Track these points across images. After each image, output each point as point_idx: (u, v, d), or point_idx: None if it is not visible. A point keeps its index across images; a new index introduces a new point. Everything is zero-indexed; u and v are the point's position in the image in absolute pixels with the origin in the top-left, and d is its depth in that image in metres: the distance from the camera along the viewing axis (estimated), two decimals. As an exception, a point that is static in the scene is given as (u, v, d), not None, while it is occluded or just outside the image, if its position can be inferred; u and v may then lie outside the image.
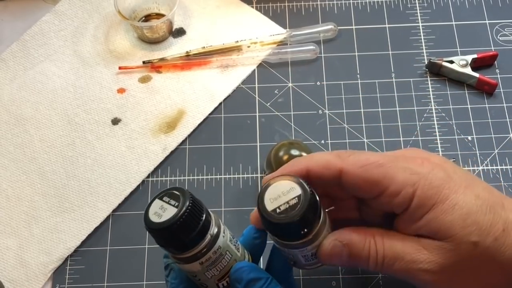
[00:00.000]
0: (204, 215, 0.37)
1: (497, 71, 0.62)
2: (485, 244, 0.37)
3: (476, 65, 0.61)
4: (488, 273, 0.38)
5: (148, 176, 0.57)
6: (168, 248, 0.38)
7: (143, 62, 0.62)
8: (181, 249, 0.37)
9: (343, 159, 0.40)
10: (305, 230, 0.38)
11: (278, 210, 0.36)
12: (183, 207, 0.36)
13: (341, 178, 0.40)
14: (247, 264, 0.39)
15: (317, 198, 0.38)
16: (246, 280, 0.38)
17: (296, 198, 0.36)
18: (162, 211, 0.36)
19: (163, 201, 0.36)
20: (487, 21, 0.65)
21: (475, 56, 0.61)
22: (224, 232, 0.39)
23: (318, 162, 0.40)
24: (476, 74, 0.60)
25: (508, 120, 0.59)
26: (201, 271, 0.38)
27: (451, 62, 0.61)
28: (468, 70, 0.60)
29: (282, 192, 0.37)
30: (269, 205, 0.37)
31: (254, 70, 0.62)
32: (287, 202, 0.36)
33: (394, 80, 0.61)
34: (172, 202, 0.36)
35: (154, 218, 0.36)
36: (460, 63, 0.60)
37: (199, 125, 0.59)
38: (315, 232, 0.38)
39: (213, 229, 0.38)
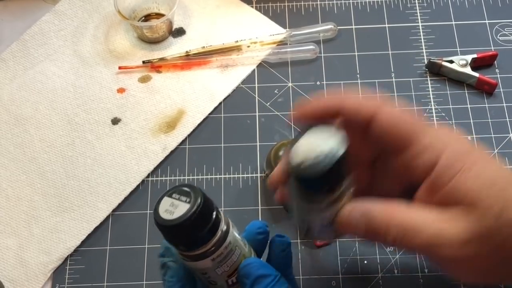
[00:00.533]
0: (215, 210, 0.37)
1: (497, 71, 0.62)
2: (510, 215, 0.34)
3: (476, 65, 0.61)
4: None
5: (148, 176, 0.57)
6: (180, 246, 0.37)
7: (143, 62, 0.62)
8: (194, 245, 0.37)
9: (378, 105, 0.39)
10: (332, 184, 0.35)
11: (312, 161, 0.34)
12: (196, 202, 0.35)
13: (371, 123, 0.38)
14: (256, 260, 0.39)
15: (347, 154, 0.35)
16: (255, 276, 0.38)
17: (328, 149, 0.34)
18: (174, 208, 0.35)
19: (173, 198, 0.36)
20: (486, 21, 0.65)
21: (475, 56, 0.61)
22: (233, 227, 0.39)
23: (354, 102, 0.39)
24: (476, 74, 0.60)
25: (508, 120, 0.59)
26: (212, 268, 0.38)
27: (451, 62, 0.61)
28: (468, 70, 0.60)
29: (317, 143, 0.35)
30: (298, 157, 0.34)
31: (254, 70, 0.62)
32: (321, 152, 0.34)
33: (394, 80, 0.61)
34: (183, 198, 0.35)
35: (165, 215, 0.35)
36: (460, 63, 0.60)
37: (199, 125, 0.59)
38: (340, 192, 0.36)
39: (223, 224, 0.37)
